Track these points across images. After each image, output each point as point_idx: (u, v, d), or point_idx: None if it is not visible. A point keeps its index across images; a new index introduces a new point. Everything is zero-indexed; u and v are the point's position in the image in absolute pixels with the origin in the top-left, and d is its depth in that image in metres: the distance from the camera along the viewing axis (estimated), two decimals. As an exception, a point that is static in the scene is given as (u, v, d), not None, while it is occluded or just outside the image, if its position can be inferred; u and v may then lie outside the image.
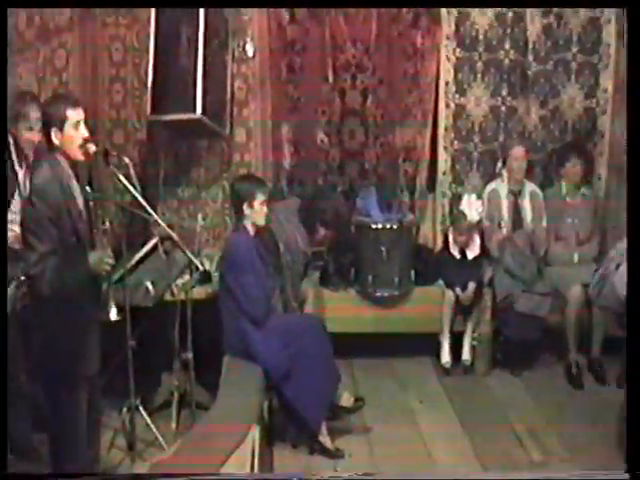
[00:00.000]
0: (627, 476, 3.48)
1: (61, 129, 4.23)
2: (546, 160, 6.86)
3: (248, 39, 6.41)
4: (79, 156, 4.29)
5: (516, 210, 6.54)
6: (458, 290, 6.34)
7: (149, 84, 5.85)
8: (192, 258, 4.83)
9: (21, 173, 4.94)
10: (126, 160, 4.67)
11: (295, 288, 5.76)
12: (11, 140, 5.05)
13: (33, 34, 6.14)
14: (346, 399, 5.44)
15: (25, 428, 4.99)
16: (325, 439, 5.24)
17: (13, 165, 5.03)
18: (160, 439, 5.16)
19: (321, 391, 5.22)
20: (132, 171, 4.67)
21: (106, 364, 4.87)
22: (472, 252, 6.41)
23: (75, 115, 4.28)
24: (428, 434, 5.50)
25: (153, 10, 5.91)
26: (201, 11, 5.80)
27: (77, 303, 4.28)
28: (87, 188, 4.39)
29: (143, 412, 5.13)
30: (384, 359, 6.57)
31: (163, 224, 4.65)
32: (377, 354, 6.55)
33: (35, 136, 4.93)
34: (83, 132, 4.29)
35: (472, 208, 6.31)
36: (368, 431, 5.53)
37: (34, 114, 4.97)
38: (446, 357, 6.42)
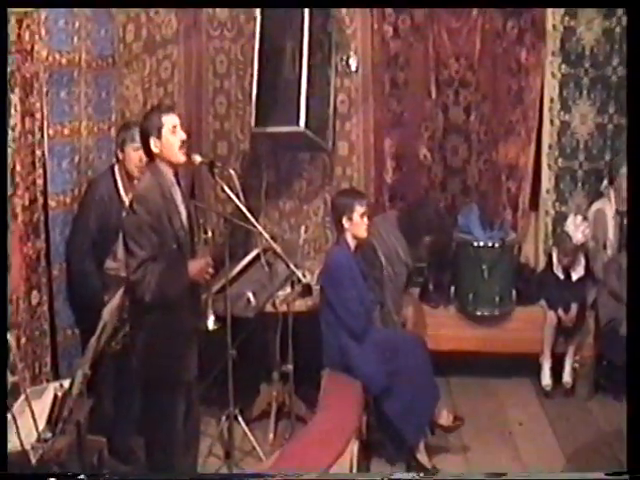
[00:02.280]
0: (627, 476, 3.38)
1: (159, 137, 4.30)
2: (654, 180, 6.67)
3: (352, 53, 6.44)
4: (180, 158, 4.34)
5: (622, 231, 6.37)
6: (560, 311, 6.20)
7: (253, 96, 5.91)
8: (294, 270, 4.83)
9: (126, 199, 5.01)
10: (231, 171, 4.72)
11: (396, 302, 5.71)
12: (116, 169, 5.17)
13: (140, 46, 6.27)
14: (445, 417, 5.37)
15: (125, 430, 5.06)
16: (422, 457, 5.19)
17: (119, 195, 5.13)
18: (258, 449, 5.18)
19: (420, 408, 5.17)
20: (236, 182, 4.70)
21: (206, 372, 4.93)
22: (576, 273, 6.28)
23: (170, 120, 4.34)
24: (526, 456, 5.39)
25: (258, 24, 5.97)
26: (305, 24, 5.85)
27: (176, 310, 4.33)
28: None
29: (241, 421, 5.15)
30: (484, 379, 6.48)
31: (266, 235, 4.66)
32: (477, 373, 6.46)
33: (140, 158, 5.01)
34: (181, 135, 4.35)
35: (578, 229, 6.17)
36: (466, 451, 5.45)
37: (131, 140, 5.07)
38: (547, 379, 6.29)
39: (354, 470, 4.39)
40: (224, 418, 5.02)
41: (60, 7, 3.74)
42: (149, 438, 4.56)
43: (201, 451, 4.92)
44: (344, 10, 6.43)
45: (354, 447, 4.52)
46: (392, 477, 4.73)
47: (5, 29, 3.04)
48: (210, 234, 4.66)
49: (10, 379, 4.40)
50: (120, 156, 5.17)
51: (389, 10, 6.54)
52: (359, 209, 5.21)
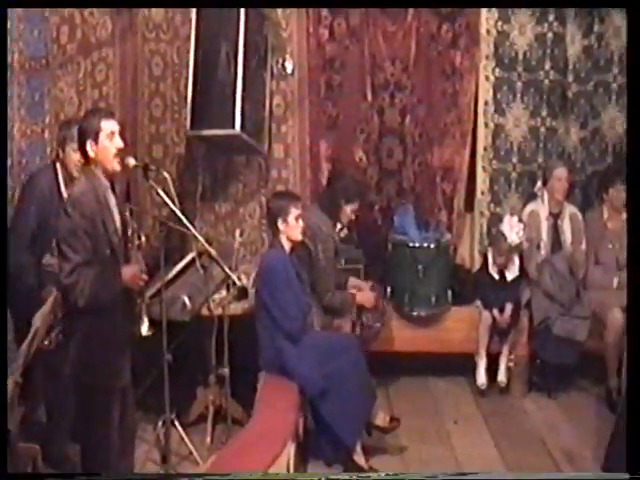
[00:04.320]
0: (627, 476, 3.45)
1: (95, 141, 4.27)
2: (586, 182, 6.79)
3: (287, 56, 6.46)
4: (115, 166, 4.31)
5: (556, 232, 6.47)
6: (495, 311, 6.28)
7: (189, 99, 5.89)
8: (229, 273, 4.82)
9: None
10: (165, 175, 4.68)
11: (327, 281, 5.72)
12: (58, 165, 5.12)
13: (75, 47, 6.21)
14: (381, 418, 5.40)
15: (60, 437, 5.00)
16: (360, 458, 5.20)
17: (60, 192, 5.08)
18: (195, 453, 5.16)
19: (357, 410, 5.19)
20: (171, 186, 4.68)
21: (142, 377, 4.89)
22: (511, 273, 6.35)
23: (109, 126, 4.31)
24: (462, 455, 5.44)
25: (193, 27, 5.95)
26: (241, 28, 5.84)
27: (110, 315, 4.30)
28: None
29: (178, 426, 5.12)
30: (420, 378, 6.53)
31: (201, 239, 4.65)
32: (413, 373, 6.51)
33: (76, 160, 4.97)
34: (118, 143, 4.32)
35: (512, 230, 6.23)
36: (403, 451, 5.48)
37: (69, 142, 5.02)
38: (482, 378, 6.35)
39: (291, 471, 4.40)
40: (161, 423, 4.99)
41: (60, 7, 3.68)
42: (84, 444, 4.51)
43: (138, 456, 4.88)
44: (280, 12, 6.45)
45: (291, 449, 4.54)
46: (330, 477, 4.74)
47: (5, 29, 3.00)
48: (144, 239, 4.63)
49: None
50: (60, 154, 5.11)
51: (325, 13, 6.57)
52: (294, 211, 5.23)
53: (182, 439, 5.18)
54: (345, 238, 6.19)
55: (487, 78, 6.66)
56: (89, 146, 4.28)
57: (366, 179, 6.66)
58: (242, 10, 5.87)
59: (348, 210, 5.83)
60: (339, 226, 5.91)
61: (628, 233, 4.39)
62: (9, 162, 5.36)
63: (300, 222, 5.25)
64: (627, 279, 4.46)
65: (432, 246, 6.24)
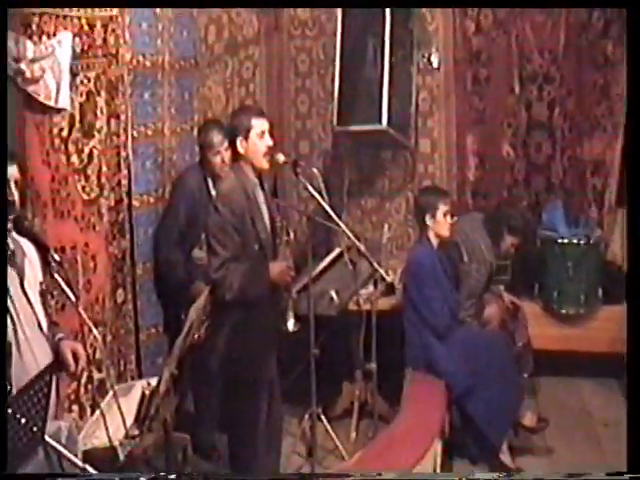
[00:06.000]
0: (627, 476, 3.28)
1: (246, 138, 4.33)
2: None
3: (433, 50, 6.39)
4: (264, 164, 4.37)
5: None
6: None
7: (335, 95, 5.90)
8: (378, 268, 4.80)
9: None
10: (314, 170, 4.71)
11: (478, 300, 5.64)
12: (205, 163, 5.23)
13: (222, 47, 6.33)
14: (529, 418, 5.31)
15: (208, 428, 5.11)
16: (506, 457, 5.12)
17: (208, 189, 5.20)
18: (340, 447, 5.18)
19: (504, 408, 5.11)
20: (320, 181, 4.70)
21: (289, 371, 4.94)
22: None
23: (260, 124, 4.36)
24: (613, 459, 5.27)
25: (339, 23, 5.97)
26: (387, 22, 5.82)
27: (257, 310, 4.36)
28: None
29: (324, 420, 5.15)
30: (568, 379, 6.36)
31: (350, 234, 4.64)
32: (561, 373, 6.35)
33: (224, 157, 5.08)
34: (268, 141, 4.37)
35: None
36: (550, 452, 5.36)
37: (217, 139, 5.12)
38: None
39: (437, 470, 4.37)
40: (307, 417, 5.03)
41: (60, 6, 3.78)
42: (232, 436, 4.60)
43: (283, 449, 4.93)
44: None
45: (437, 447, 4.50)
46: (473, 477, 4.68)
47: (5, 29, 3.12)
48: (292, 235, 4.68)
49: (96, 376, 4.50)
50: (207, 152, 5.22)
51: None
52: (442, 207, 5.19)
53: (327, 433, 5.21)
54: (501, 267, 6.05)
55: (640, 68, 6.40)
56: (239, 143, 4.35)
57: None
58: (387, 5, 5.86)
59: (509, 241, 5.71)
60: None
61: (628, 232, 4.19)
62: (159, 159, 5.52)
63: (448, 218, 5.20)
64: (627, 279, 4.27)
65: (582, 242, 6.08)
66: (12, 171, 3.16)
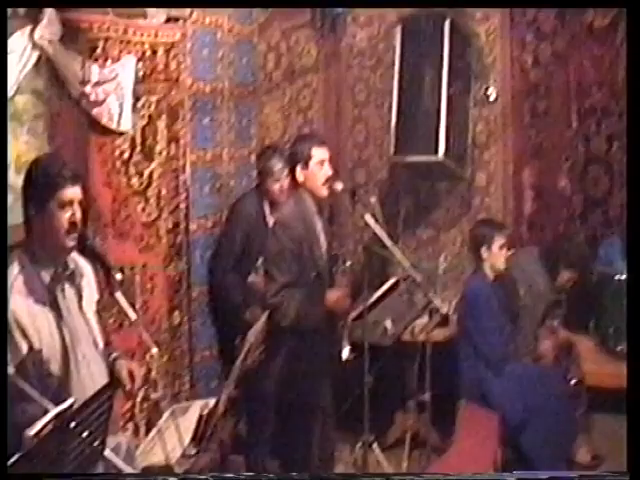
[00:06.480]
0: (627, 477, 3.19)
1: (306, 166, 4.35)
2: None
3: (491, 82, 6.37)
4: (323, 193, 4.38)
5: None
6: None
7: (392, 125, 5.91)
8: (434, 299, 4.78)
9: (271, 222, 5.10)
10: (372, 200, 4.72)
11: (534, 337, 5.58)
12: (262, 189, 5.27)
13: (280, 74, 6.40)
14: (583, 455, 5.24)
15: (260, 451, 5.09)
16: (558, 494, 5.03)
17: (264, 215, 5.22)
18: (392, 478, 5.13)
19: (557, 444, 5.04)
20: (378, 211, 4.70)
21: (342, 399, 4.92)
22: None
23: (320, 154, 4.38)
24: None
25: (398, 53, 5.99)
26: (445, 54, 5.84)
27: (313, 337, 4.36)
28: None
29: (376, 449, 5.11)
30: (624, 416, 6.23)
31: (407, 264, 4.62)
32: (616, 411, 6.23)
33: (283, 184, 5.11)
34: (327, 171, 4.39)
35: None
36: (604, 491, 5.26)
37: (277, 167, 5.16)
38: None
39: (490, 504, 4.30)
40: (359, 445, 4.99)
41: (60, 7, 3.84)
42: (284, 461, 4.59)
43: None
44: (483, 39, 6.39)
45: (490, 480, 4.44)
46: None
47: (5, 29, 3.17)
48: (348, 264, 4.68)
49: (153, 395, 4.52)
50: (265, 179, 5.25)
51: (529, 38, 6.44)
52: (499, 240, 5.16)
53: (379, 462, 5.17)
54: (556, 301, 5.94)
55: None
56: (299, 171, 4.37)
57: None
58: (446, 37, 5.88)
59: (565, 276, 5.65)
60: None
61: (628, 232, 4.09)
62: (217, 184, 5.56)
63: (504, 251, 5.16)
64: (627, 279, 4.19)
65: (640, 279, 5.99)
66: (75, 192, 3.20)
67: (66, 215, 3.16)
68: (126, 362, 3.47)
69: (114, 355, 3.47)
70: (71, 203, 3.18)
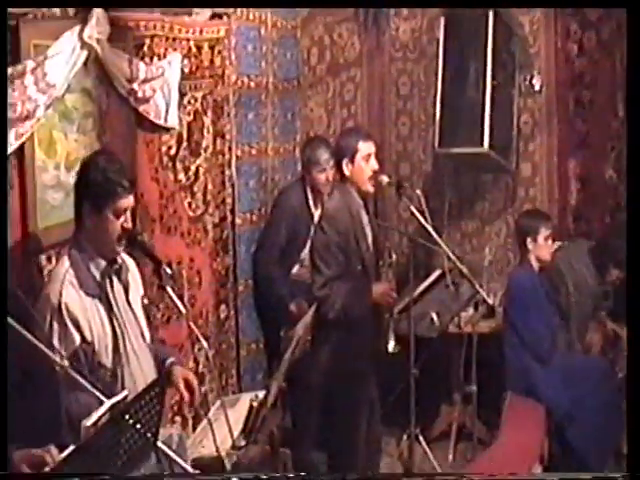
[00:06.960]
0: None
1: (352, 161, 4.37)
2: None
3: (535, 72, 6.33)
4: (369, 187, 4.40)
5: None
6: None
7: (436, 117, 5.90)
8: (480, 291, 4.78)
9: (316, 214, 5.13)
10: (417, 192, 4.72)
11: (581, 328, 5.56)
12: (307, 182, 5.30)
13: (324, 68, 6.42)
14: (631, 447, 5.18)
15: (307, 444, 5.12)
16: (607, 487, 5.01)
17: (309, 207, 5.25)
18: (438, 469, 5.16)
19: (605, 437, 5.02)
20: (423, 203, 4.71)
21: (388, 391, 4.94)
22: None
23: (366, 148, 4.40)
24: None
25: (441, 45, 5.97)
26: (489, 45, 5.81)
27: (358, 330, 4.38)
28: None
29: (422, 441, 5.14)
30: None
31: (452, 256, 4.63)
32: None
33: (329, 175, 5.13)
34: (373, 164, 4.41)
35: None
36: (652, 484, 5.22)
37: (324, 157, 5.18)
38: None
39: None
40: (405, 437, 5.02)
41: (60, 7, 3.86)
42: (331, 454, 4.62)
43: (381, 470, 4.93)
44: (527, 29, 6.35)
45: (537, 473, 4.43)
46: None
47: (5, 29, 3.21)
48: (394, 257, 4.69)
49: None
50: (309, 171, 5.28)
51: (574, 27, 6.40)
52: (544, 231, 5.14)
53: (425, 454, 5.19)
54: (604, 293, 5.83)
55: None
56: (345, 165, 4.39)
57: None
58: (490, 27, 5.85)
59: (614, 275, 5.60)
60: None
61: (628, 233, 4.03)
62: (262, 178, 5.61)
63: (550, 242, 5.15)
64: (627, 279, 4.11)
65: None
66: (130, 200, 3.26)
67: (120, 221, 3.22)
68: (181, 370, 3.51)
69: (170, 360, 3.50)
70: (125, 211, 3.24)
